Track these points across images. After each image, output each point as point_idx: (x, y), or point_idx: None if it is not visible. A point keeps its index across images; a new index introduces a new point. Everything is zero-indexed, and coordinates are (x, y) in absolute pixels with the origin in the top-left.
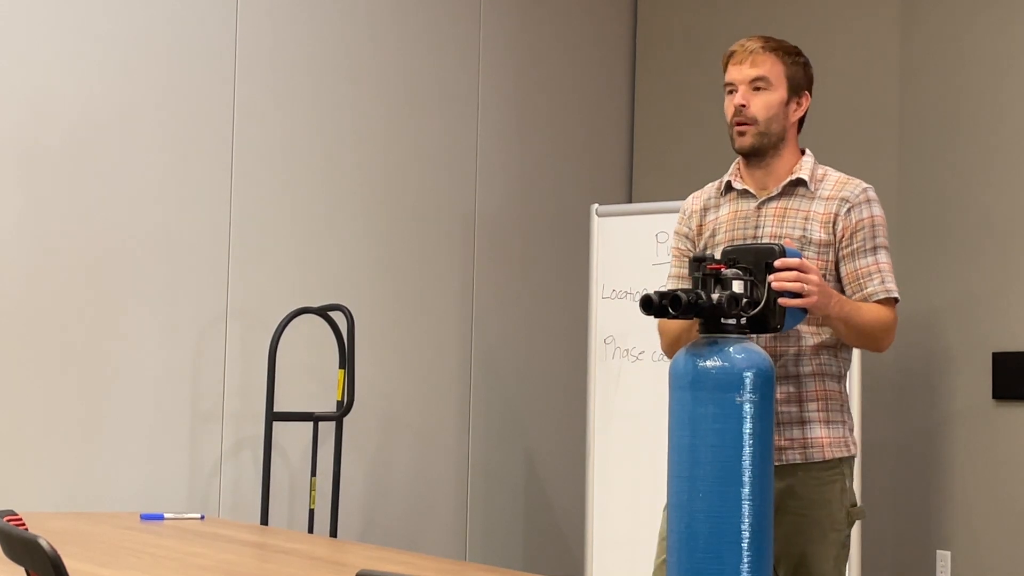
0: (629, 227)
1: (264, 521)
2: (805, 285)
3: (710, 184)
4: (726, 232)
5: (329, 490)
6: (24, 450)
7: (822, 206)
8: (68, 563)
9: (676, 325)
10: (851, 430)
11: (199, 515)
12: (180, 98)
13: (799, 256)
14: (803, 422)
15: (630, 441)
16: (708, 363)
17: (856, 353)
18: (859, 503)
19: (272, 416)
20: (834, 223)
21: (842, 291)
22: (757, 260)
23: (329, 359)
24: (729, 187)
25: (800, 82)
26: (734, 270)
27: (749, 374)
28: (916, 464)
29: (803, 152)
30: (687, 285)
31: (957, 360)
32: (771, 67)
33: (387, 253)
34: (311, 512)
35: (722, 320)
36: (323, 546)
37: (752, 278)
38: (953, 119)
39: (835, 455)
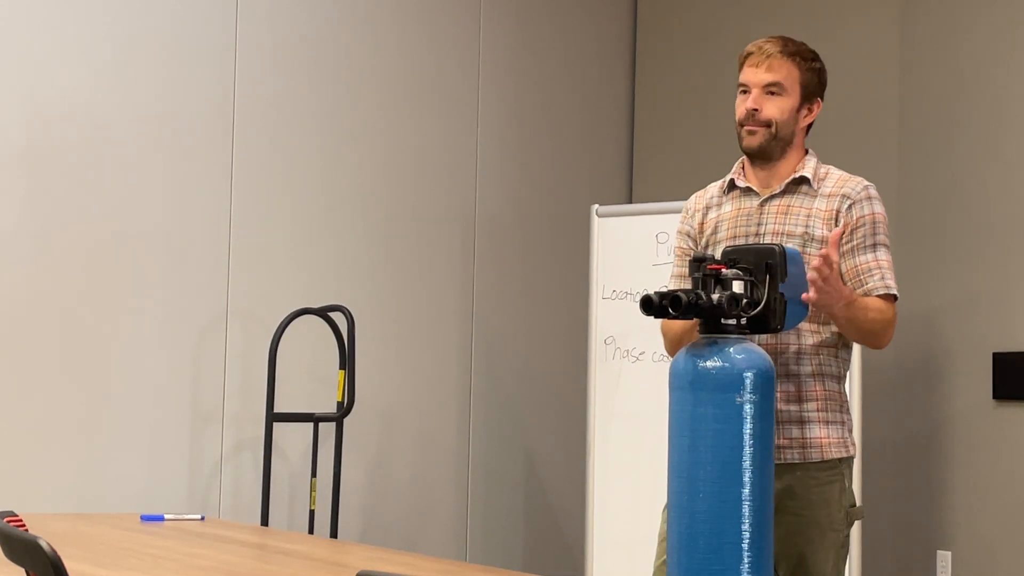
0: (629, 227)
1: (264, 522)
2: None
3: (713, 183)
4: (728, 229)
5: (329, 491)
6: (24, 451)
7: (824, 203)
8: (68, 564)
9: (678, 325)
10: (850, 430)
11: (199, 516)
12: (180, 98)
13: (798, 256)
14: (802, 421)
15: (630, 442)
16: (708, 363)
17: (856, 353)
18: (858, 503)
19: (272, 417)
20: (836, 220)
21: None
22: (757, 260)
23: (329, 360)
24: (732, 185)
25: (814, 89)
26: (734, 270)
27: (749, 374)
28: (916, 464)
29: (806, 152)
30: (690, 285)
31: (957, 360)
32: (787, 73)
33: (387, 254)
34: (311, 513)
35: (722, 320)
36: (323, 547)
37: (752, 278)
38: (953, 118)
39: (834, 455)
